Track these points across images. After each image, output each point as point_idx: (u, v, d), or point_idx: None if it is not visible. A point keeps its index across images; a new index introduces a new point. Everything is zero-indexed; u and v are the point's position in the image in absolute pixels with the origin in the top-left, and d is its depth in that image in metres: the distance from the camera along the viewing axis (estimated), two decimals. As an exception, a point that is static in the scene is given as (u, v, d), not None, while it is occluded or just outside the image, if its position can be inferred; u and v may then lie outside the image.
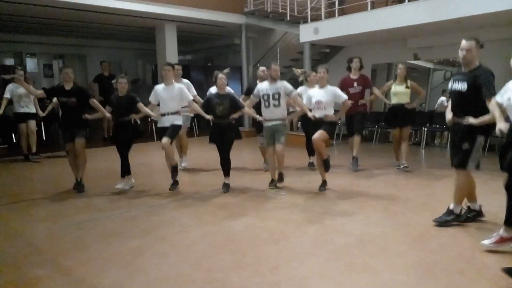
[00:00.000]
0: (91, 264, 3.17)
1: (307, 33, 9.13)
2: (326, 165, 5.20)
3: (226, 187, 5.34)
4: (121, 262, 3.20)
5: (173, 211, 4.60)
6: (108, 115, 5.33)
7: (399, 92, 6.28)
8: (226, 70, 5.45)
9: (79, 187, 5.39)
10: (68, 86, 5.26)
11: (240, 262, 3.17)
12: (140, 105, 5.29)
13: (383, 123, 9.03)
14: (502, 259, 3.11)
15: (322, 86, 5.19)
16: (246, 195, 5.17)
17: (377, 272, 2.96)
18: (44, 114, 7.69)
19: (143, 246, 3.52)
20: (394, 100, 6.36)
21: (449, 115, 3.81)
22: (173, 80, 5.39)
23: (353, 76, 6.52)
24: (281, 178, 5.57)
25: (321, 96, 5.12)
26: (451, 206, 3.88)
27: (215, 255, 3.30)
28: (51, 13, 9.38)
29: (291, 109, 5.89)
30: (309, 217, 4.28)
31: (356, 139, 6.52)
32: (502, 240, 3.21)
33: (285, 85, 5.28)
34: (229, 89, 5.52)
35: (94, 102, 5.37)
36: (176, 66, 6.28)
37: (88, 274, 3.00)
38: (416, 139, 9.26)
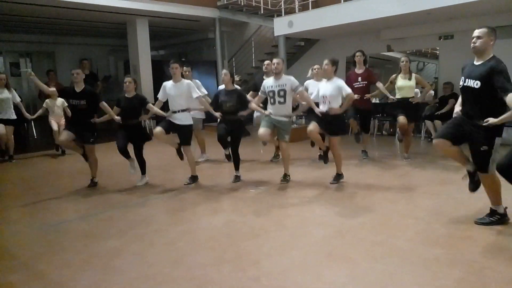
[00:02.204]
0: (67, 267, 3.08)
1: (281, 26, 9.13)
2: (325, 158, 5.47)
3: (237, 178, 5.45)
4: (98, 264, 3.12)
5: (150, 209, 4.53)
6: (117, 118, 5.21)
7: (404, 86, 6.14)
8: (237, 78, 5.48)
9: (92, 184, 5.46)
10: (78, 88, 5.12)
11: (221, 258, 3.15)
12: (150, 105, 5.27)
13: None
14: (477, 245, 3.20)
15: (329, 79, 5.06)
16: (224, 189, 5.14)
17: (356, 261, 3.00)
18: (33, 117, 7.50)
19: (121, 246, 3.46)
20: (399, 95, 6.22)
21: (457, 108, 3.66)
22: (181, 77, 5.30)
23: (358, 70, 6.50)
24: (285, 178, 5.35)
25: (326, 90, 5.01)
26: (493, 207, 3.61)
27: (195, 253, 3.27)
28: (17, 9, 9.05)
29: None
30: (288, 211, 4.30)
31: (365, 136, 6.75)
32: None
33: (291, 80, 5.15)
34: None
35: (104, 105, 5.25)
36: (184, 68, 6.18)
37: (64, 278, 2.92)
38: (391, 130, 9.41)
